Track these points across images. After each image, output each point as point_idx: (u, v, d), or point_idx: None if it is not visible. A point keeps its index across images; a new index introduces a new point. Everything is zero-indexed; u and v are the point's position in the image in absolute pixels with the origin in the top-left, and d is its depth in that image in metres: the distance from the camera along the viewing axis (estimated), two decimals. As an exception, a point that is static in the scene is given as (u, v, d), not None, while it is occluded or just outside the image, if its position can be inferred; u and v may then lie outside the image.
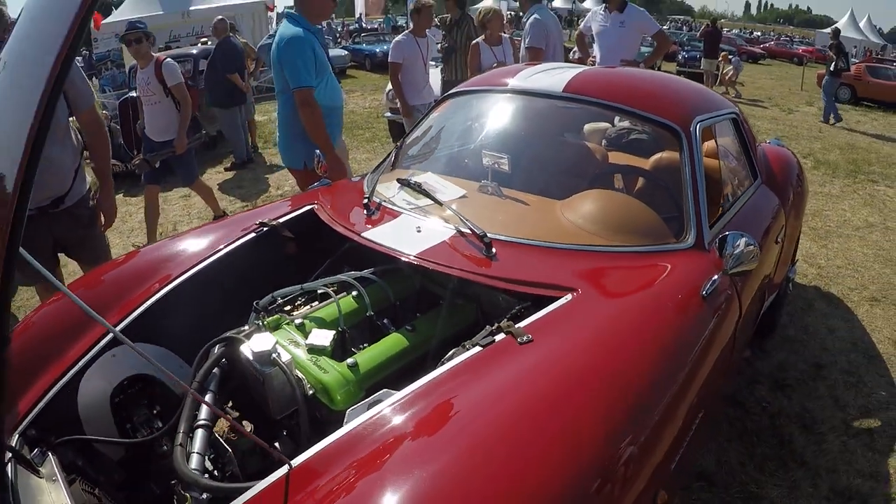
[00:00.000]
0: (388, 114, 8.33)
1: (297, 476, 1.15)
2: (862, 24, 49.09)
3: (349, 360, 1.57)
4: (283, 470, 1.16)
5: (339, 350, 1.67)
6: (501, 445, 1.16)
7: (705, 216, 2.03)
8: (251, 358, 1.50)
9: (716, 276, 1.83)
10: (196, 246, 2.07)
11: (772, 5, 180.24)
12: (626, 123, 3.04)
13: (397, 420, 1.24)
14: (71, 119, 2.70)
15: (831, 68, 12.28)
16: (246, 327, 1.74)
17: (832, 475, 2.62)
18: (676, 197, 2.12)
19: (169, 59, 4.83)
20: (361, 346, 1.71)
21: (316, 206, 2.28)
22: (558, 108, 2.67)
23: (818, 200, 6.55)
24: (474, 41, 5.45)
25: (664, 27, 15.20)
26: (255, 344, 1.51)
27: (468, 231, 1.89)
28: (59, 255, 2.94)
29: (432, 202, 2.09)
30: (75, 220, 2.70)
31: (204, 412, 1.48)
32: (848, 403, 3.12)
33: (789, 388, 3.19)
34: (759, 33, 56.57)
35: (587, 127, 3.13)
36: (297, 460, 1.18)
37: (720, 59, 15.68)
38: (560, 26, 5.67)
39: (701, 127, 2.33)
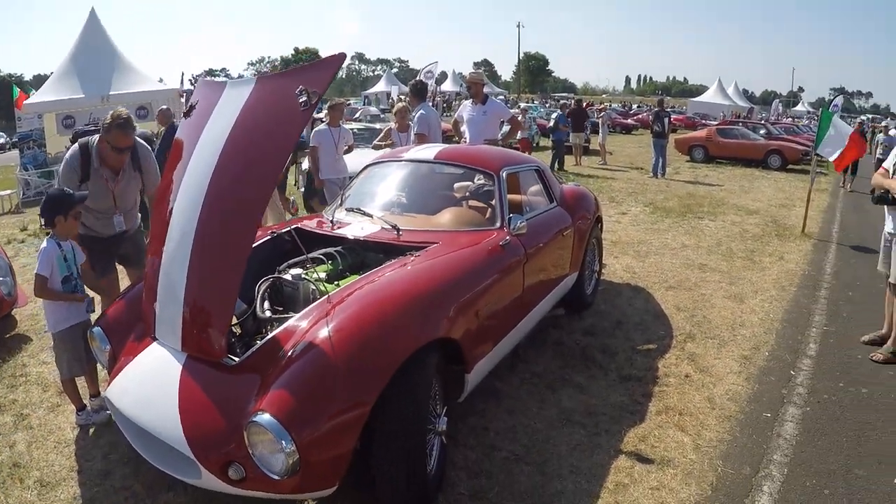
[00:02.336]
0: (303, 189, 10.42)
1: (315, 309, 3.06)
2: (730, 91, 56.37)
3: (336, 283, 3.57)
4: (321, 301, 3.12)
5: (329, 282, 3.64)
6: (401, 284, 3.18)
7: (507, 213, 4.23)
8: (290, 278, 3.44)
9: (508, 237, 4.01)
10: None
11: (651, 78, 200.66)
12: (481, 181, 5.26)
13: (348, 290, 3.18)
14: None
15: (651, 132, 15.98)
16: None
17: (619, 370, 4.73)
18: (494, 207, 4.35)
19: None
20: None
21: (300, 224, 4.32)
22: (432, 167, 4.92)
23: (647, 234, 9.16)
24: (388, 127, 7.84)
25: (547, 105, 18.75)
26: (292, 272, 3.48)
27: (388, 226, 3.98)
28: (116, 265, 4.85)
29: (367, 216, 4.19)
30: (134, 242, 4.67)
31: (266, 308, 3.41)
32: (636, 339, 5.33)
33: (596, 334, 5.38)
34: (636, 106, 63.44)
35: (456, 185, 5.31)
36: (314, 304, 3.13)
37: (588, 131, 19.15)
38: (438, 117, 8.07)
39: (507, 172, 4.60)
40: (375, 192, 4.78)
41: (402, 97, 41.03)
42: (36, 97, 14.52)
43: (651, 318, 5.79)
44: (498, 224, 4.20)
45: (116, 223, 4.33)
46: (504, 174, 4.55)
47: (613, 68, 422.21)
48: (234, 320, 3.43)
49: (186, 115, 3.47)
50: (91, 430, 3.93)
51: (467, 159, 4.83)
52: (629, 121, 39.17)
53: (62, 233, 3.81)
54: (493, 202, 4.43)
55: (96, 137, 4.20)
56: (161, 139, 9.11)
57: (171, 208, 3.13)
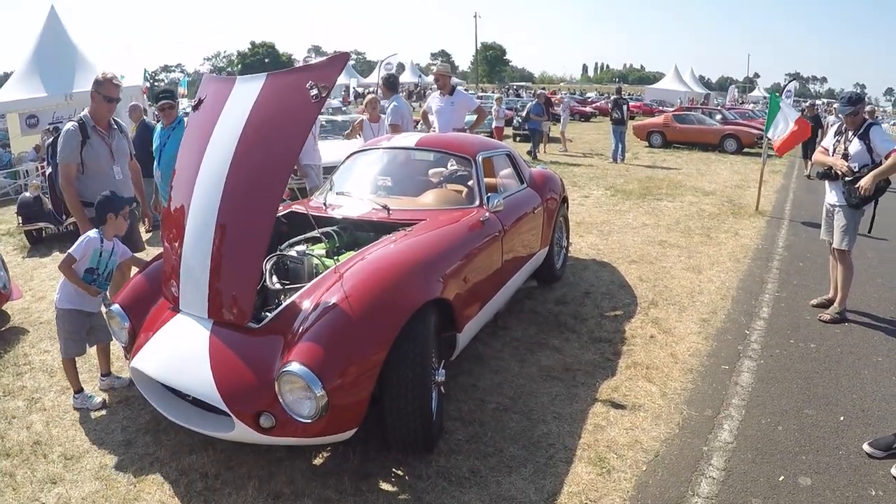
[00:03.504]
0: None
1: (325, 279, 3.51)
2: (686, 78, 57.82)
3: (335, 259, 4.02)
4: (329, 272, 3.57)
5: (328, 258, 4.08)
6: (400, 254, 3.64)
7: (485, 192, 4.73)
8: (295, 254, 3.88)
9: (487, 213, 4.51)
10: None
11: (607, 66, 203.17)
12: (454, 167, 5.75)
13: (351, 261, 3.64)
14: None
15: (611, 119, 16.65)
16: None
17: (591, 333, 5.25)
18: (472, 188, 4.84)
19: None
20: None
21: (294, 207, 4.75)
22: (413, 155, 5.39)
23: (609, 215, 9.76)
24: (360, 119, 8.27)
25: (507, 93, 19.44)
26: (297, 248, 3.92)
27: (378, 206, 4.44)
28: None
29: (357, 199, 4.64)
30: (132, 215, 4.98)
31: (275, 281, 3.83)
32: (604, 306, 5.87)
33: (567, 303, 5.91)
34: (592, 94, 64.60)
35: (431, 171, 5.79)
36: (323, 274, 3.57)
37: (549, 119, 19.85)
38: (410, 108, 8.54)
39: (482, 157, 5.10)
40: (362, 177, 5.23)
41: (359, 89, 41.35)
42: (-2, 96, 14.52)
43: (617, 288, 6.35)
44: (477, 202, 4.70)
45: (115, 173, 4.86)
46: (480, 158, 5.05)
47: (570, 56, 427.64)
48: None
49: (195, 108, 3.88)
50: (100, 412, 4.15)
51: (446, 145, 5.33)
52: (588, 108, 40.08)
53: (111, 230, 4.18)
54: (471, 183, 4.93)
55: (85, 111, 4.88)
56: (135, 135, 8.96)
57: (190, 194, 3.52)
